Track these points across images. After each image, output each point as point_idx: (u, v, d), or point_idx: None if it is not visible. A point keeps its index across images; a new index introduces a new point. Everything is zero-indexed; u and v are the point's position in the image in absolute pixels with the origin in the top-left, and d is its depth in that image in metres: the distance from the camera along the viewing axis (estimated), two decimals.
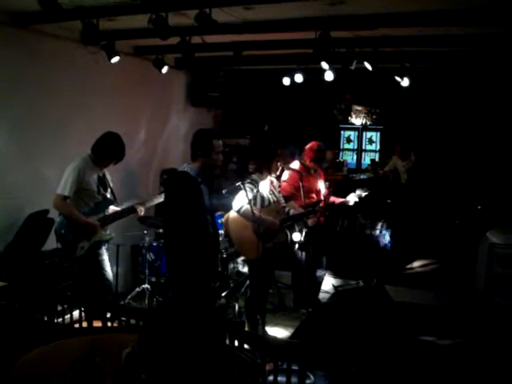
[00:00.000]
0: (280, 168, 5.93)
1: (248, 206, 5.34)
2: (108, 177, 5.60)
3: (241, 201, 5.44)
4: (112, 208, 5.53)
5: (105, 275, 5.41)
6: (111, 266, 5.66)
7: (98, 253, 5.38)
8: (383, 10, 5.23)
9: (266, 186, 5.73)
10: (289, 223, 6.01)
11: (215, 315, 2.06)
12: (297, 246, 6.34)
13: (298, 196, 6.26)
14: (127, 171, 7.10)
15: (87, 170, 5.28)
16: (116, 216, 5.54)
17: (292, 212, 5.99)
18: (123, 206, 5.64)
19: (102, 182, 5.48)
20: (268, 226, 5.51)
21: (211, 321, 2.00)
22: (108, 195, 5.54)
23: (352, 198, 6.56)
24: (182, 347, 1.87)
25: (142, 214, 5.66)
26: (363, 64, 6.55)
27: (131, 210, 5.61)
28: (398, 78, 7.13)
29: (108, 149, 5.41)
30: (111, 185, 5.63)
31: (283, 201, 6.01)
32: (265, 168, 5.74)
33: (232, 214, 5.62)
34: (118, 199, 5.68)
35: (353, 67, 6.45)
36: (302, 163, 6.65)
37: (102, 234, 5.40)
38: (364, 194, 6.55)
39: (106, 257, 5.49)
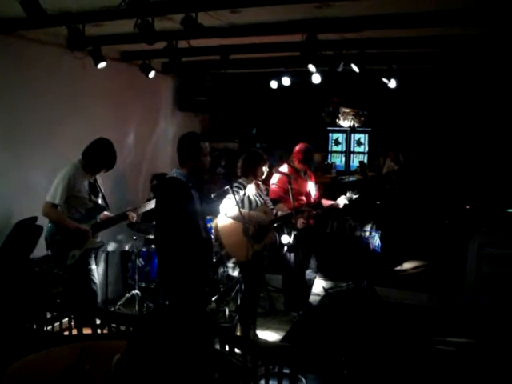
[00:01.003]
0: (267, 172, 5.95)
1: (236, 208, 5.35)
2: (99, 182, 5.57)
3: (228, 204, 5.45)
4: (104, 214, 5.50)
5: (92, 282, 5.38)
6: (101, 271, 5.65)
7: (87, 261, 5.35)
8: (369, 13, 5.24)
9: (252, 190, 5.76)
10: (277, 224, 6.03)
11: (204, 320, 2.05)
12: (286, 248, 6.35)
13: (287, 199, 6.25)
14: (116, 176, 7.07)
15: (78, 176, 5.24)
16: (108, 223, 5.52)
17: (280, 214, 6.01)
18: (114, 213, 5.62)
19: (93, 189, 5.45)
20: (259, 222, 5.53)
21: (200, 326, 1.99)
22: (99, 201, 5.52)
23: (342, 201, 6.55)
24: (171, 353, 1.86)
25: (134, 220, 5.64)
26: (350, 66, 6.57)
27: (123, 217, 5.58)
28: (385, 80, 7.16)
29: (99, 156, 5.37)
30: (102, 190, 5.60)
31: (270, 203, 6.03)
32: (250, 173, 5.78)
33: (221, 217, 5.63)
34: (109, 204, 5.66)
35: (340, 69, 6.47)
36: (290, 165, 6.66)
37: (93, 241, 5.37)
38: (354, 197, 6.55)
39: (94, 266, 5.46)
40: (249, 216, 5.48)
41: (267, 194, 6.11)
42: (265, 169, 5.87)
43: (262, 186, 6.01)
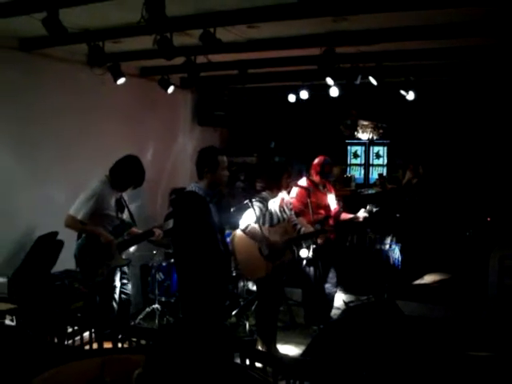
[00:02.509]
0: (290, 184, 5.94)
1: (255, 225, 5.35)
2: (125, 197, 5.58)
3: (248, 219, 5.44)
4: (131, 231, 5.52)
5: (114, 299, 5.40)
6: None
7: (113, 278, 5.37)
8: (385, 25, 5.26)
9: (276, 204, 5.74)
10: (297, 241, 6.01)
11: (224, 334, 2.05)
12: (304, 262, 6.32)
13: (306, 212, 6.24)
14: (135, 192, 7.10)
15: (106, 194, 5.25)
16: (134, 240, 5.54)
17: (303, 230, 5.97)
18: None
19: (120, 205, 5.46)
20: (269, 247, 5.50)
21: (219, 340, 1.99)
22: (125, 216, 5.52)
23: (362, 214, 6.52)
24: (190, 367, 1.86)
25: (160, 237, 5.62)
26: (368, 79, 6.57)
27: (149, 233, 5.60)
28: (403, 92, 7.14)
29: (128, 173, 5.37)
30: (128, 206, 5.61)
31: (295, 218, 6.01)
32: (274, 185, 5.76)
33: (238, 232, 5.62)
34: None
35: (358, 82, 6.47)
36: (309, 179, 6.65)
37: (120, 258, 5.38)
38: (374, 210, 6.51)
39: (118, 283, 5.48)
40: (264, 238, 5.44)
41: (291, 209, 6.07)
42: (289, 180, 5.85)
43: (286, 200, 5.99)
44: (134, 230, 5.56)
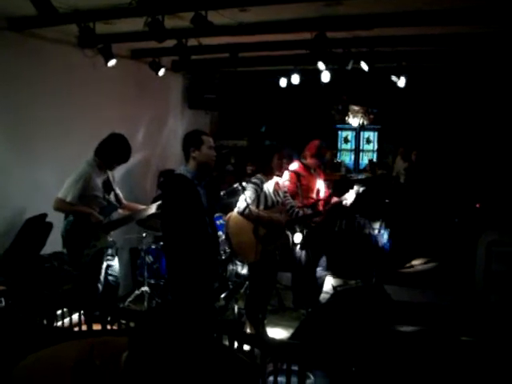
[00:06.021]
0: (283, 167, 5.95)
1: (252, 207, 5.37)
2: (111, 178, 5.57)
3: (244, 202, 5.46)
4: (117, 213, 5.54)
5: (99, 281, 5.41)
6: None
7: (100, 260, 5.39)
8: (378, 10, 5.25)
9: (270, 187, 5.75)
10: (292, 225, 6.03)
11: (212, 316, 2.08)
12: (298, 246, 6.35)
13: (297, 196, 6.26)
14: (125, 174, 7.10)
15: (93, 175, 5.26)
16: (121, 221, 5.56)
17: (300, 213, 6.00)
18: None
19: (107, 187, 5.47)
20: (274, 222, 5.54)
21: (207, 322, 2.01)
22: (112, 198, 5.53)
23: (350, 195, 6.49)
24: (175, 349, 1.88)
25: (154, 211, 5.59)
26: (359, 64, 6.56)
27: (136, 215, 5.63)
28: (394, 78, 7.14)
29: (114, 151, 5.37)
30: (115, 187, 5.61)
31: (290, 200, 6.02)
32: (265, 168, 5.76)
33: (234, 215, 5.63)
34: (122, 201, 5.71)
35: (349, 67, 6.47)
36: (301, 162, 6.63)
37: (106, 239, 5.40)
38: (361, 190, 6.49)
39: (105, 264, 5.49)
40: (263, 217, 5.48)
41: (286, 192, 6.09)
42: (280, 162, 5.85)
43: (281, 184, 6.00)
44: (120, 211, 5.57)
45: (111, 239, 5.54)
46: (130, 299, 6.81)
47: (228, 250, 6.70)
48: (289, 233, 6.10)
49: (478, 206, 9.01)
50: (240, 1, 4.85)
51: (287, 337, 5.90)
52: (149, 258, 6.97)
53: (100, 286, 5.43)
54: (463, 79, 9.13)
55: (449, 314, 6.67)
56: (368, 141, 12.07)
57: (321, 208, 6.47)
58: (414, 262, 8.88)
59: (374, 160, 11.67)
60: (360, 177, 10.56)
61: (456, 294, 7.25)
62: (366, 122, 11.57)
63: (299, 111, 10.73)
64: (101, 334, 3.73)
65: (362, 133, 12.04)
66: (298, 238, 6.20)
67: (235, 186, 5.69)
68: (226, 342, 3.55)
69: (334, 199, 6.60)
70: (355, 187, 6.50)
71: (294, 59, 7.52)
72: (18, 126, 5.87)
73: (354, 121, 11.51)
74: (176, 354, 1.89)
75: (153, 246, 7.04)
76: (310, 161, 6.61)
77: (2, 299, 4.44)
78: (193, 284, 4.61)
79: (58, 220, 5.42)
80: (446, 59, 7.39)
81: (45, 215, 5.60)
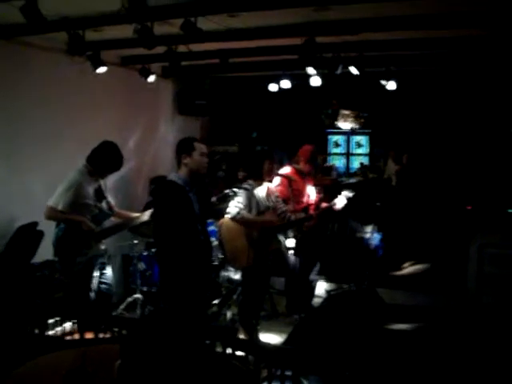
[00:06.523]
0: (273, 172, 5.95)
1: (243, 212, 5.37)
2: (103, 186, 5.55)
3: (235, 207, 5.45)
4: (109, 221, 5.51)
5: (91, 290, 5.38)
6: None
7: (91, 269, 5.35)
8: (367, 15, 5.27)
9: (262, 192, 5.76)
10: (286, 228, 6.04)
11: (201, 322, 2.07)
12: (291, 251, 6.34)
13: (288, 201, 6.26)
14: (116, 180, 7.06)
15: (84, 183, 5.22)
16: (113, 229, 5.53)
17: (293, 218, 6.00)
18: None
19: (99, 195, 5.44)
20: (266, 225, 5.54)
21: (198, 330, 2.01)
22: (104, 206, 5.50)
23: (340, 201, 6.49)
24: (168, 358, 1.87)
25: (146, 218, 5.57)
26: (349, 69, 6.58)
27: (128, 223, 5.61)
28: (383, 82, 7.17)
29: (106, 159, 5.34)
30: (107, 195, 5.59)
31: (281, 205, 6.02)
32: (256, 173, 5.77)
33: (226, 221, 5.63)
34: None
35: (339, 72, 6.49)
36: (294, 167, 6.62)
37: (98, 248, 5.38)
38: (351, 195, 6.49)
39: (97, 273, 5.46)
40: (256, 220, 5.50)
41: (278, 197, 6.09)
42: (272, 168, 5.85)
43: (272, 189, 6.01)
44: (112, 219, 5.55)
45: (103, 247, 5.51)
46: (122, 307, 6.77)
47: (221, 256, 6.69)
48: (281, 238, 6.10)
49: (469, 208, 9.04)
50: (229, 7, 4.86)
51: (281, 342, 5.88)
52: (141, 265, 6.94)
53: (92, 295, 5.40)
54: (453, 82, 9.17)
55: (441, 317, 6.68)
56: (359, 145, 12.09)
57: (312, 212, 6.47)
58: (407, 265, 8.90)
59: (366, 164, 11.69)
60: (351, 181, 10.56)
61: (448, 296, 7.27)
62: (356, 126, 11.59)
63: (290, 116, 10.74)
64: (93, 342, 3.71)
65: (352, 137, 12.06)
66: (290, 242, 6.21)
67: (226, 191, 5.69)
68: (219, 349, 3.54)
69: (324, 204, 6.60)
70: (344, 192, 6.51)
71: (284, 64, 7.53)
72: (7, 134, 5.84)
73: (345, 125, 11.53)
74: (169, 361, 1.89)
75: (145, 253, 7.01)
76: (303, 166, 6.60)
77: None
78: (185, 291, 4.59)
79: (48, 228, 5.39)
80: (435, 63, 7.44)
81: (36, 223, 5.57)
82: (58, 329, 4.25)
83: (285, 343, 5.57)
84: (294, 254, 6.39)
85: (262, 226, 5.60)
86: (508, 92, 8.93)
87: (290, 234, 6.24)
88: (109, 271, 5.68)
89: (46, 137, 6.27)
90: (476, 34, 5.93)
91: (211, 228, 6.69)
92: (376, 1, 4.57)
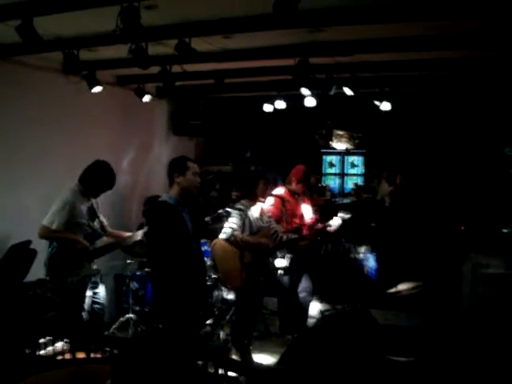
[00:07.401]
0: (267, 193, 5.96)
1: (237, 233, 5.37)
2: (95, 205, 5.54)
3: (229, 228, 5.45)
4: (102, 240, 5.50)
5: (83, 309, 5.35)
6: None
7: (83, 289, 5.33)
8: (360, 37, 5.32)
9: (255, 212, 5.76)
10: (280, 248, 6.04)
11: (195, 343, 2.06)
12: (280, 271, 6.33)
13: (281, 221, 6.27)
14: (110, 200, 7.06)
15: (77, 203, 5.22)
16: (105, 249, 5.51)
17: (285, 238, 6.00)
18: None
19: (91, 214, 5.43)
20: (263, 247, 5.54)
21: (190, 350, 2.00)
22: (96, 225, 5.49)
23: (335, 222, 6.50)
24: (159, 378, 1.87)
25: (139, 238, 5.55)
26: (343, 89, 6.62)
27: (120, 242, 5.60)
28: (377, 103, 7.21)
29: (98, 178, 5.35)
30: (99, 214, 5.57)
31: (273, 225, 6.02)
32: (250, 194, 5.77)
33: (219, 241, 5.62)
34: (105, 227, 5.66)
35: (332, 93, 6.53)
36: (287, 188, 6.63)
37: (90, 268, 5.35)
38: (347, 217, 6.51)
39: (89, 293, 5.44)
40: (249, 243, 5.49)
41: (270, 217, 6.09)
42: (265, 187, 5.86)
43: (265, 209, 6.01)
44: (105, 239, 5.54)
45: (95, 267, 5.49)
46: (115, 326, 6.74)
47: (214, 276, 6.68)
48: (271, 259, 6.09)
49: (462, 228, 9.05)
50: (223, 28, 4.90)
51: (274, 363, 5.85)
52: (134, 285, 6.92)
53: (85, 314, 5.37)
54: (445, 104, 9.24)
55: (435, 338, 6.67)
56: (353, 165, 12.14)
57: (305, 232, 6.46)
58: (400, 286, 8.89)
59: (360, 184, 11.72)
60: (345, 201, 10.59)
61: (442, 317, 7.25)
62: (350, 147, 11.64)
63: (284, 136, 10.79)
64: (84, 362, 3.68)
65: (346, 157, 12.11)
66: (279, 263, 6.19)
67: (220, 211, 5.69)
68: (211, 369, 3.52)
69: (319, 225, 6.60)
70: (340, 214, 6.51)
71: (278, 85, 7.58)
72: (2, 153, 5.85)
73: (339, 145, 11.57)
74: (160, 382, 1.88)
75: (138, 273, 6.99)
76: (295, 186, 6.60)
77: None
78: (179, 310, 4.57)
79: (41, 247, 5.38)
80: (429, 84, 7.49)
81: (29, 242, 5.55)
82: (50, 348, 4.22)
83: (278, 364, 5.53)
84: (285, 274, 6.37)
85: (257, 247, 5.59)
86: (500, 112, 8.99)
87: (279, 254, 6.23)
88: (101, 291, 5.65)
89: (40, 155, 6.27)
90: (468, 55, 5.99)
91: (204, 248, 6.68)
92: (369, 23, 4.61)
